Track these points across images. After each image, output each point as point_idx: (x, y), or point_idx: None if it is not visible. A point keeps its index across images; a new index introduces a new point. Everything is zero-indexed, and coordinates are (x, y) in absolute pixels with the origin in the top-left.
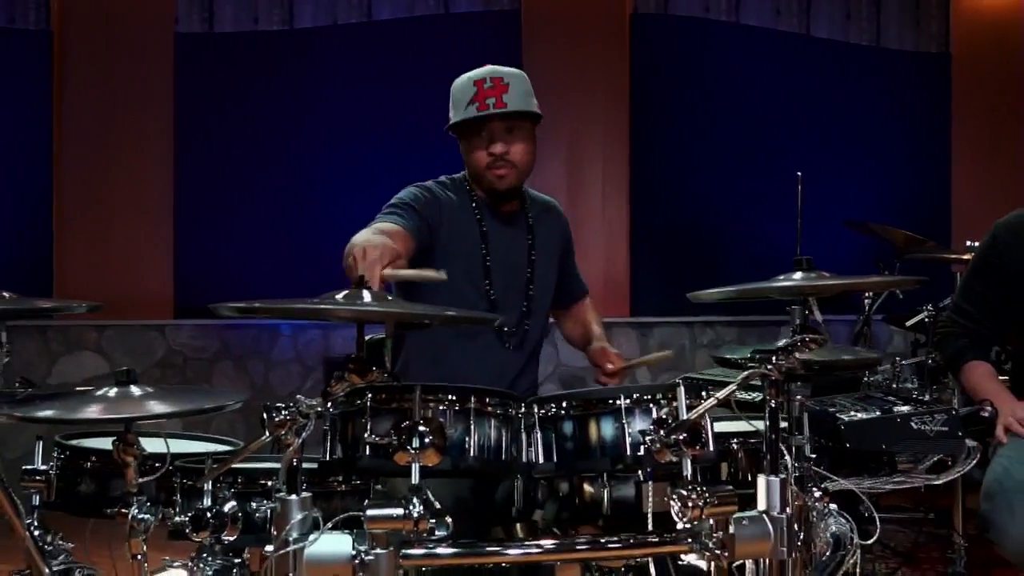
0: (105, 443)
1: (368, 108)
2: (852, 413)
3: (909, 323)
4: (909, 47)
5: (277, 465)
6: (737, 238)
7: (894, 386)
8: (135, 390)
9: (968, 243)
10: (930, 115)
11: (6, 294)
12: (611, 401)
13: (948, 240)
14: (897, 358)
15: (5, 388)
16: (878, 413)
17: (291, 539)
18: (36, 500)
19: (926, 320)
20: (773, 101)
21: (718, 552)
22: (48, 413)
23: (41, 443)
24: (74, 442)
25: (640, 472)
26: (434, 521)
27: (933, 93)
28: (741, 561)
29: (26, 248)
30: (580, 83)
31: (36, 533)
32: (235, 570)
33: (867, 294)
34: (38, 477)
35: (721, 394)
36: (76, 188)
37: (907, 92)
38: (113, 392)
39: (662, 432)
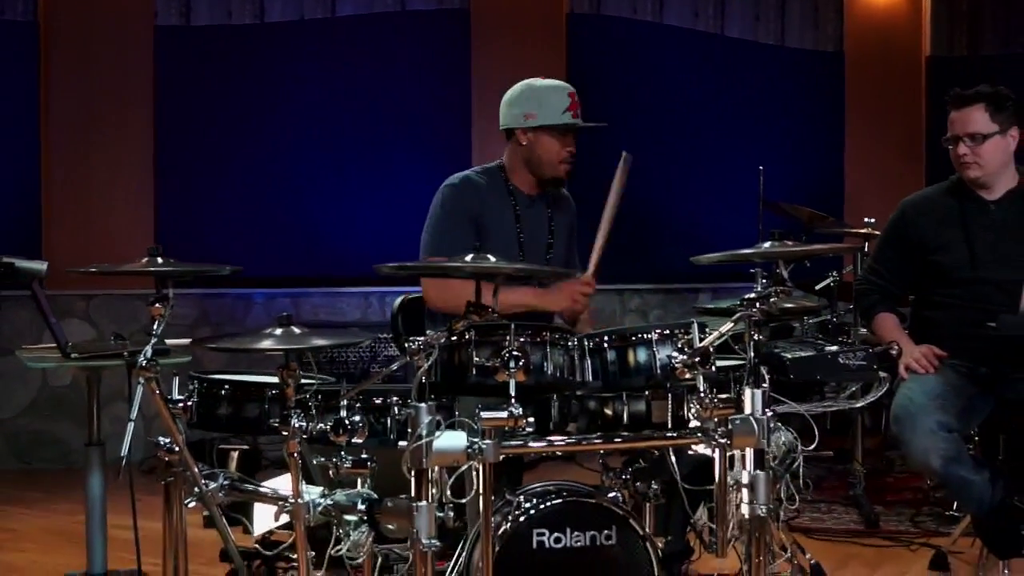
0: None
1: (332, 96)
2: (794, 352)
3: (818, 287)
4: (809, 46)
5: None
6: (662, 217)
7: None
8: (279, 331)
9: (866, 219)
10: (827, 107)
11: (158, 260)
12: (644, 335)
13: (841, 216)
14: (805, 317)
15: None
16: (814, 352)
17: (423, 435)
18: None
19: (832, 284)
20: (692, 94)
21: (723, 441)
22: (231, 345)
23: (177, 378)
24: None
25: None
26: (526, 421)
27: (829, 87)
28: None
29: (16, 228)
30: (523, 74)
31: None
32: (369, 463)
33: (780, 263)
34: (179, 404)
35: (723, 328)
36: (63, 170)
37: (807, 86)
38: (275, 331)
39: (683, 357)
